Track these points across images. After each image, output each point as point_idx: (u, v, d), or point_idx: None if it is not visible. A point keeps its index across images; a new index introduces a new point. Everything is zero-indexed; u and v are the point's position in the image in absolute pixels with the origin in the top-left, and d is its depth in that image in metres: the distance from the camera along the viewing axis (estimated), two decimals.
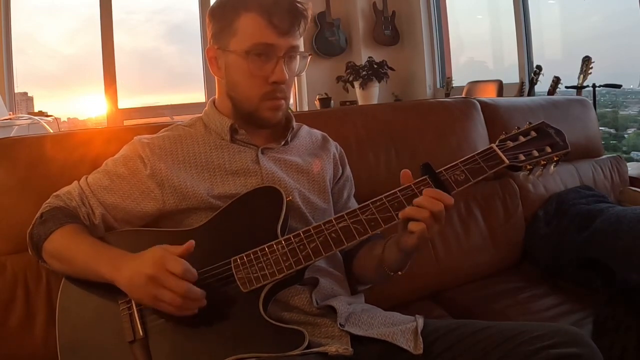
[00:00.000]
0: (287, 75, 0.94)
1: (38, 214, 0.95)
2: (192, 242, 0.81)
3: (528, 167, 0.90)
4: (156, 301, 0.79)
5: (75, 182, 0.99)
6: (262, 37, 0.92)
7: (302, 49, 1.00)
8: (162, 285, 0.77)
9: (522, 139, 0.93)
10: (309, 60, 1.01)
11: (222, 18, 0.96)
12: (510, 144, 0.92)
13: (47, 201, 0.97)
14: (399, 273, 0.94)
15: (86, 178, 0.99)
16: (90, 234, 0.92)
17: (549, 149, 0.91)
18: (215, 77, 1.03)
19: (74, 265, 0.88)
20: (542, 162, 0.91)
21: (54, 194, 0.98)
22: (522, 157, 0.90)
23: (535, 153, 0.91)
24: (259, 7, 0.91)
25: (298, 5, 0.93)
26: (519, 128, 0.95)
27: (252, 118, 0.99)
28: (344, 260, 1.07)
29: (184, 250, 0.80)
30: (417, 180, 0.86)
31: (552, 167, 0.92)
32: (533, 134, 0.93)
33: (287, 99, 1.00)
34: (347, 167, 1.15)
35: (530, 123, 0.96)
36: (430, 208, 0.80)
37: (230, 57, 0.96)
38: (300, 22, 0.95)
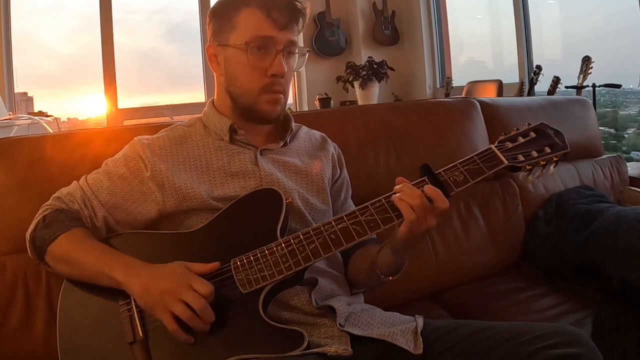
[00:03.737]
0: (285, 68, 0.95)
1: (40, 217, 0.94)
2: (217, 264, 0.85)
3: (527, 167, 0.90)
4: (165, 312, 0.79)
5: (75, 182, 0.99)
6: (262, 30, 0.93)
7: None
8: (179, 298, 0.79)
9: (521, 139, 0.93)
10: (307, 56, 1.02)
11: (222, 16, 0.97)
12: (510, 144, 0.92)
13: (47, 203, 0.96)
14: (390, 278, 0.95)
15: (85, 178, 0.99)
16: (97, 238, 0.92)
17: (548, 150, 0.91)
18: (215, 74, 1.04)
19: (81, 268, 0.88)
20: (542, 163, 0.91)
21: (54, 195, 0.97)
22: (521, 158, 0.90)
23: (535, 154, 0.91)
24: (258, 2, 0.93)
25: (296, 2, 0.95)
26: (518, 129, 0.95)
27: (251, 113, 0.99)
28: None
29: (209, 270, 0.84)
30: (415, 181, 0.87)
31: (551, 167, 0.91)
32: (532, 134, 0.93)
33: (285, 93, 1.00)
34: (345, 169, 1.15)
35: (529, 124, 0.96)
36: (410, 188, 0.82)
37: (229, 51, 0.97)
38: (299, 18, 0.96)
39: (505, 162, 0.89)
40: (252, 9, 0.93)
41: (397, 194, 0.83)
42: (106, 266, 0.85)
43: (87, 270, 0.87)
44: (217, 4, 1.00)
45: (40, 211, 0.95)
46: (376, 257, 0.95)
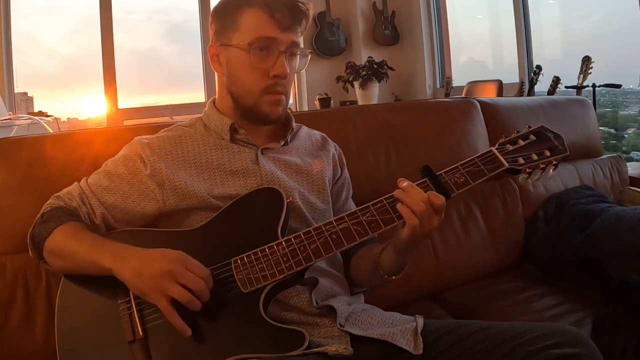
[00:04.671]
0: (288, 69, 0.95)
1: (39, 215, 0.95)
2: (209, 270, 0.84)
3: (527, 170, 0.91)
4: (161, 296, 0.79)
5: (76, 183, 0.99)
6: (265, 31, 0.93)
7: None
8: (176, 280, 0.78)
9: (521, 142, 0.93)
10: (309, 58, 1.02)
11: (225, 16, 0.97)
12: (510, 147, 0.92)
13: (47, 202, 0.97)
14: (394, 277, 0.95)
15: (86, 179, 0.99)
16: (91, 231, 0.92)
17: (548, 153, 0.92)
18: (216, 74, 1.04)
19: (75, 259, 0.88)
20: (541, 166, 0.91)
21: (55, 195, 0.98)
22: (521, 161, 0.91)
23: (535, 157, 0.91)
24: (261, 3, 0.93)
25: (299, 4, 0.95)
26: (518, 132, 0.95)
27: (252, 113, 0.99)
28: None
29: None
30: (417, 183, 0.87)
31: (551, 170, 0.92)
32: (532, 137, 0.94)
33: (287, 94, 1.00)
34: (346, 168, 1.15)
35: (529, 127, 0.96)
36: (413, 193, 0.82)
37: (232, 51, 0.97)
38: (302, 20, 0.96)
39: (506, 164, 0.90)
40: (255, 9, 0.93)
41: (399, 202, 0.83)
42: (95, 254, 0.85)
43: (79, 261, 0.87)
44: (219, 4, 1.00)
45: (41, 210, 0.96)
46: (379, 258, 0.95)
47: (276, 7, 0.93)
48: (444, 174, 0.88)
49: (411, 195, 0.82)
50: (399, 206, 0.83)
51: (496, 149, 0.92)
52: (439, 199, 0.82)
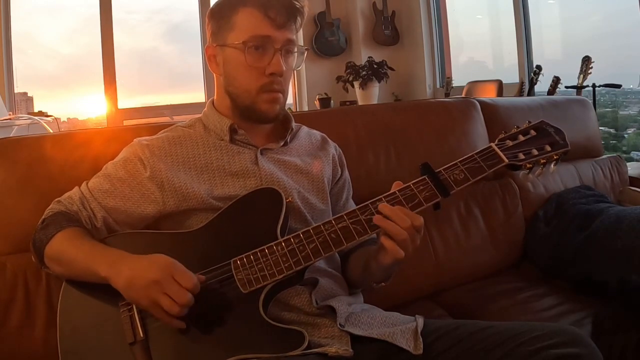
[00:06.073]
0: (284, 67, 0.95)
1: (40, 220, 0.95)
2: (203, 277, 0.83)
3: (528, 166, 0.90)
4: (153, 305, 0.79)
5: (76, 187, 0.99)
6: (259, 30, 0.93)
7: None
8: (163, 291, 0.78)
9: (521, 138, 0.93)
10: (305, 55, 1.02)
11: (221, 16, 0.98)
12: (510, 143, 0.92)
13: (49, 207, 0.97)
14: (383, 284, 0.95)
15: (87, 183, 0.99)
16: (91, 236, 0.92)
17: (548, 148, 0.91)
18: (214, 74, 1.04)
19: (74, 267, 0.88)
20: (542, 161, 0.91)
21: (56, 199, 0.98)
22: (521, 156, 0.90)
23: (535, 152, 0.91)
24: (255, 2, 0.94)
25: (294, 1, 0.95)
26: (518, 127, 0.95)
27: (250, 112, 0.99)
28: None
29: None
30: (416, 180, 0.87)
31: (552, 166, 0.91)
32: (532, 132, 0.93)
33: (284, 92, 1.00)
34: (346, 169, 1.15)
35: (529, 122, 0.95)
36: (399, 222, 0.81)
37: (228, 51, 0.97)
38: (297, 17, 0.96)
39: (506, 160, 0.89)
40: (250, 8, 0.94)
41: (382, 236, 0.83)
42: (92, 262, 0.85)
43: (77, 269, 0.87)
44: (215, 5, 1.00)
45: (42, 216, 0.96)
46: (367, 264, 0.94)
47: (270, 5, 0.93)
48: (443, 171, 0.88)
49: (398, 222, 0.81)
50: (383, 240, 0.82)
51: (496, 144, 0.91)
52: (418, 220, 0.82)
